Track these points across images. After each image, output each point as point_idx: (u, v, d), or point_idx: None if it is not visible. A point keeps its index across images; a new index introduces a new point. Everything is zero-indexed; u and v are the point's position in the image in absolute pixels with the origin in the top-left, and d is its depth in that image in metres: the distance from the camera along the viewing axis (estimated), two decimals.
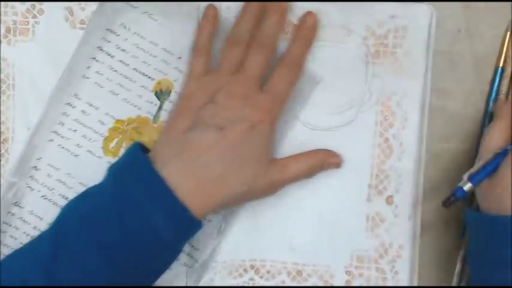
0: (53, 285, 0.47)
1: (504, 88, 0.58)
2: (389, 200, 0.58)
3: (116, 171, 0.52)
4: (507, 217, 0.49)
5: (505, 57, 0.58)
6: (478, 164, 0.53)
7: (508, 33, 0.58)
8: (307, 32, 0.56)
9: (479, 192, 0.53)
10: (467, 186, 0.53)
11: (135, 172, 0.51)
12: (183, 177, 0.50)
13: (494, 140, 0.53)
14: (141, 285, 0.52)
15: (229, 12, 0.57)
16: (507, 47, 0.58)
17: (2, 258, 0.51)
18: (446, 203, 0.53)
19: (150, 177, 0.50)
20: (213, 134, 0.51)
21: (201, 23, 0.56)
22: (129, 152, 0.53)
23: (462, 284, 0.58)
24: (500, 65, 0.58)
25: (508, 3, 0.58)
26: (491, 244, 0.50)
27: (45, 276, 0.48)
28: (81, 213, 0.50)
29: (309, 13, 0.56)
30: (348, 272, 0.58)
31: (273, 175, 0.54)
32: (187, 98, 0.54)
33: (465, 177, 0.53)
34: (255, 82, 0.53)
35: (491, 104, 0.58)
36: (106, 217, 0.49)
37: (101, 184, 0.52)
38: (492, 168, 0.52)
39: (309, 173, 0.56)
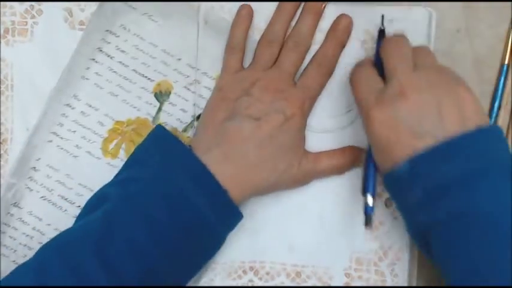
0: (106, 269, 0.49)
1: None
2: (388, 203, 0.58)
3: (157, 160, 0.53)
4: (394, 170, 0.48)
5: (510, 54, 0.58)
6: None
7: None
8: (340, 34, 0.57)
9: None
10: (369, 200, 0.53)
11: (178, 160, 0.53)
12: (222, 164, 0.53)
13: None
14: (186, 272, 0.54)
15: (230, 14, 0.58)
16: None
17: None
18: (367, 223, 0.53)
19: (193, 164, 0.52)
20: (250, 125, 0.54)
21: (234, 20, 0.58)
22: (166, 141, 0.54)
23: None
24: (506, 62, 0.58)
25: (508, 3, 0.58)
26: (398, 199, 0.51)
27: (98, 258, 0.49)
28: (127, 196, 0.52)
29: (343, 15, 0.57)
30: (347, 275, 0.58)
31: (305, 166, 0.56)
32: (223, 91, 0.56)
33: (362, 195, 0.54)
34: (289, 78, 0.56)
35: (496, 102, 0.58)
36: (152, 199, 0.51)
37: (139, 169, 0.54)
38: (373, 169, 0.53)
39: (340, 170, 0.57)
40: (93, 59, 0.58)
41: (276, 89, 0.55)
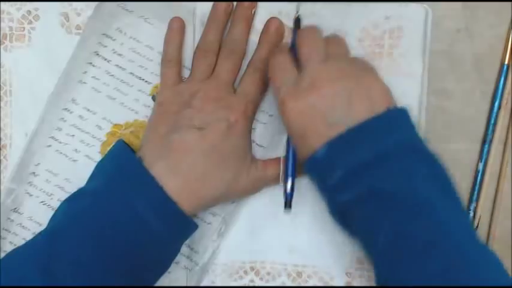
0: (49, 281, 0.48)
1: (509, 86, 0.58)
2: None
3: (107, 172, 0.53)
4: (312, 156, 0.50)
5: (510, 54, 0.58)
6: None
7: None
8: (271, 37, 0.57)
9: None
10: (289, 185, 0.54)
11: (126, 173, 0.53)
12: (170, 176, 0.52)
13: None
14: (140, 285, 0.53)
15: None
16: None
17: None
18: (286, 207, 0.54)
19: (141, 177, 0.52)
20: (193, 135, 0.53)
21: (167, 35, 0.58)
22: (119, 153, 0.54)
23: None
24: (506, 62, 0.58)
25: (508, 3, 0.57)
26: (319, 183, 0.52)
27: (43, 274, 0.49)
28: (76, 212, 0.52)
29: (272, 18, 0.57)
30: (348, 274, 0.58)
31: (254, 174, 0.56)
32: (163, 105, 0.56)
33: (281, 181, 0.55)
34: (227, 86, 0.56)
35: (496, 102, 0.58)
36: (101, 215, 0.51)
37: (92, 184, 0.54)
38: (293, 155, 0.54)
39: None
40: (90, 63, 0.58)
41: (216, 98, 0.55)
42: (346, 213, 0.50)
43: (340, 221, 0.52)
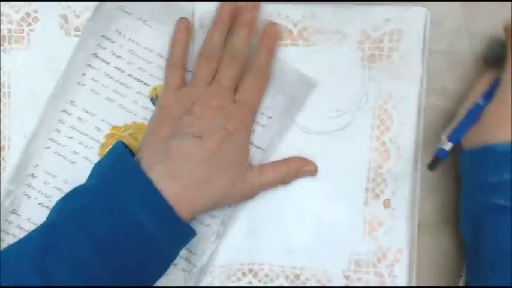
0: (45, 281, 0.49)
1: None
2: (386, 204, 0.57)
3: (105, 172, 0.54)
4: (495, 145, 0.51)
5: None
6: (456, 120, 0.55)
7: None
8: (269, 42, 0.57)
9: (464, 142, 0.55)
10: (448, 146, 0.54)
11: (124, 175, 0.53)
12: (168, 181, 0.52)
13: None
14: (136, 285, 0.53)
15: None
16: None
17: None
18: (431, 167, 0.55)
19: (139, 179, 0.52)
20: (192, 143, 0.53)
21: (174, 36, 0.57)
22: (117, 154, 0.55)
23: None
24: None
25: (508, 3, 0.57)
26: (475, 174, 0.52)
27: (38, 270, 0.49)
28: (72, 209, 0.52)
29: (270, 24, 0.57)
30: (346, 276, 0.58)
31: (250, 180, 0.56)
32: (165, 109, 0.56)
33: (444, 137, 0.55)
34: (229, 92, 0.55)
35: None
36: (96, 214, 0.51)
37: (89, 183, 0.54)
38: (471, 120, 0.54)
39: (285, 180, 0.58)
40: (89, 65, 0.58)
41: (217, 105, 0.54)
42: (483, 216, 0.51)
43: (471, 220, 0.53)
